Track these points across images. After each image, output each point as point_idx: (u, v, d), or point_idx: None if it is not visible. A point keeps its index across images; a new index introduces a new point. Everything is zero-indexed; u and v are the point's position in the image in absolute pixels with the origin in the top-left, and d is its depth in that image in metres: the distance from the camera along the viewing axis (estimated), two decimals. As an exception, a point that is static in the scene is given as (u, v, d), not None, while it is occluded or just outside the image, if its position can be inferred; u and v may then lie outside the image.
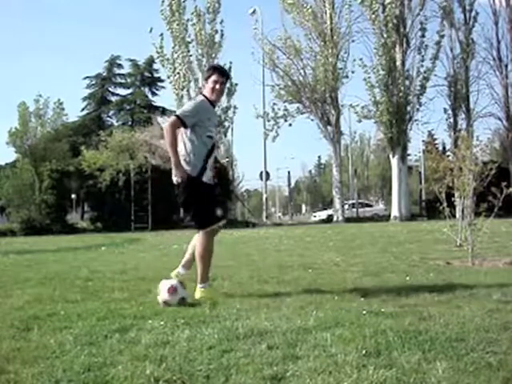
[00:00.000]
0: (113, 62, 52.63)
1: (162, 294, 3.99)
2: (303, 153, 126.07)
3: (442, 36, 29.07)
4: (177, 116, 4.32)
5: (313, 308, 3.68)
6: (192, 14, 29.36)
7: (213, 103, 4.43)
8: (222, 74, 4.37)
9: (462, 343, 2.70)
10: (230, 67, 29.37)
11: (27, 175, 34.10)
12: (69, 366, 2.51)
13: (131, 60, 51.79)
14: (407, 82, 28.54)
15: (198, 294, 4.28)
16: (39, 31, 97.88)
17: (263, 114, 31.19)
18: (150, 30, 29.61)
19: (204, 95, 4.39)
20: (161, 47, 29.71)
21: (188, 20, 29.45)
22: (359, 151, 64.38)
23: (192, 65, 29.55)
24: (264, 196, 35.67)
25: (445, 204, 8.04)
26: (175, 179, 4.30)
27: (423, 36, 28.52)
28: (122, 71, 53.31)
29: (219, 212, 4.35)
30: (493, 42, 30.18)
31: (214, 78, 4.29)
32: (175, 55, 29.17)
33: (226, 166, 28.10)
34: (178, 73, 29.06)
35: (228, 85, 5.11)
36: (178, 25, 28.97)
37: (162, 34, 29.57)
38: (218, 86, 4.28)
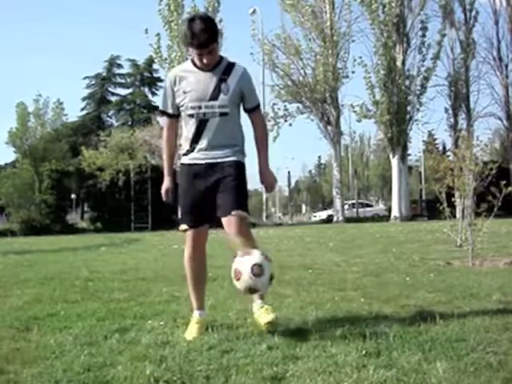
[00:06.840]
0: (112, 62, 52.73)
1: (246, 278, 2.82)
2: (303, 153, 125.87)
3: (444, 35, 29.08)
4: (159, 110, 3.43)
5: (313, 308, 3.68)
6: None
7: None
8: (202, 46, 3.04)
9: (462, 343, 2.70)
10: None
11: (27, 175, 34.07)
12: (69, 366, 2.51)
13: (131, 60, 51.99)
14: (407, 82, 28.53)
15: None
16: (39, 31, 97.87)
17: (263, 114, 31.17)
18: (146, 31, 29.54)
19: (192, 60, 3.21)
20: (158, 47, 29.64)
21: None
22: (359, 151, 64.42)
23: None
24: (264, 196, 35.65)
25: (445, 204, 8.03)
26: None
27: (424, 36, 28.55)
28: (121, 71, 53.54)
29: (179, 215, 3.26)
30: (493, 42, 30.29)
31: (195, 51, 3.09)
32: (173, 55, 29.09)
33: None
34: (177, 73, 28.93)
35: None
36: (176, 24, 28.90)
37: (158, 34, 29.43)
38: (205, 61, 3.10)
